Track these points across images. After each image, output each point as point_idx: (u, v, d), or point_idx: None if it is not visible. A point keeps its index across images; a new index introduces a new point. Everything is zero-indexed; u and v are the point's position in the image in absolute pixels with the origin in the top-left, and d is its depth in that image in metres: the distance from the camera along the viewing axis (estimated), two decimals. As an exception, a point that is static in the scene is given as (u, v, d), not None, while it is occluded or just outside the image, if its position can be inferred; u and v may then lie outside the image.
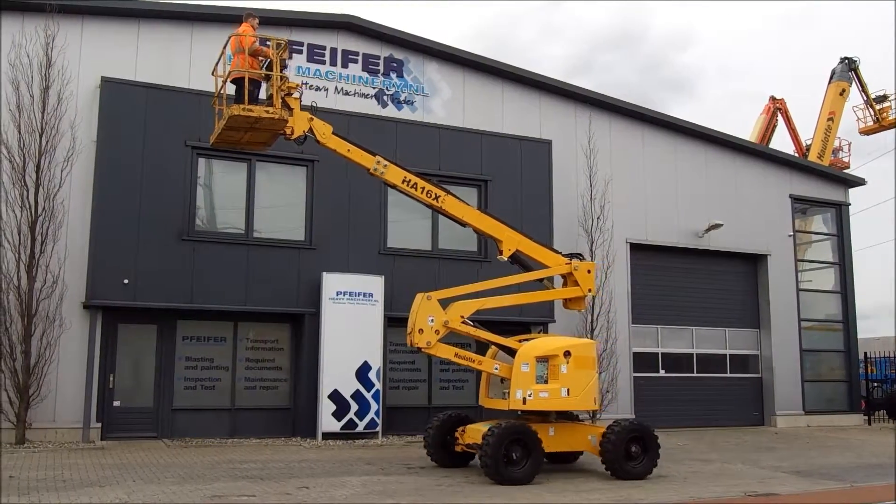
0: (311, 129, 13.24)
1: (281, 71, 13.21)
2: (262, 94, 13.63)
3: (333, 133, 13.46)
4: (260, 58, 13.52)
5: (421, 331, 12.71)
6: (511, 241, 13.99)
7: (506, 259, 14.10)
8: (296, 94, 13.20)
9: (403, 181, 13.62)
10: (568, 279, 14.36)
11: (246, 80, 13.10)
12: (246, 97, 12.99)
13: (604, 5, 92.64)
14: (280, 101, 13.03)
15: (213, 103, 14.37)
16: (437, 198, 13.73)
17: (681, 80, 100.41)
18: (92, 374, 16.14)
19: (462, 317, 13.02)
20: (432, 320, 12.75)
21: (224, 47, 14.06)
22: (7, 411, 15.22)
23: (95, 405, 16.12)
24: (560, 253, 14.65)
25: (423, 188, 13.69)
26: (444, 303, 13.05)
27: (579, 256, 14.55)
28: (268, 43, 13.61)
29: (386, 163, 13.53)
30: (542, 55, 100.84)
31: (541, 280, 14.56)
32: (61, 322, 15.88)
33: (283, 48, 13.42)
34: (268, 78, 13.33)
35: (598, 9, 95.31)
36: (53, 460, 13.38)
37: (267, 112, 12.94)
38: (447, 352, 13.11)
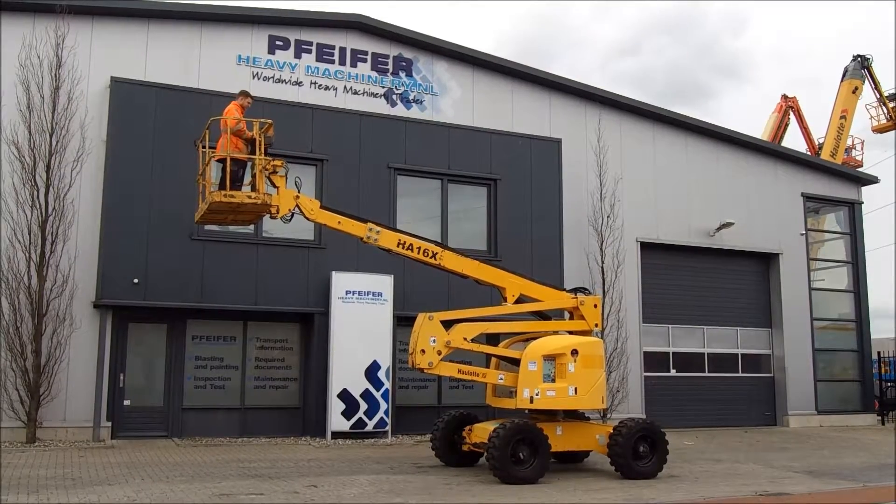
0: (297, 207, 12.90)
1: (266, 151, 12.85)
2: (248, 175, 13.16)
3: (322, 207, 13.14)
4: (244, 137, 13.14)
5: (423, 351, 12.62)
6: (514, 286, 13.75)
7: (511, 305, 13.81)
8: (281, 172, 12.77)
9: (398, 244, 13.24)
10: (574, 313, 14.24)
11: (228, 161, 12.83)
12: (228, 181, 12.68)
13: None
14: (265, 181, 12.72)
15: (198, 181, 14.05)
16: (434, 255, 13.42)
17: (733, 66, 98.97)
18: (102, 373, 16.21)
19: (465, 339, 12.95)
20: (434, 341, 12.67)
21: (207, 126, 13.74)
22: (18, 410, 15.31)
23: (106, 404, 16.19)
24: (564, 289, 14.65)
25: (420, 248, 13.33)
26: (447, 324, 12.94)
27: (585, 291, 14.42)
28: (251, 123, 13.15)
29: (378, 228, 13.16)
30: (591, 34, 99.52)
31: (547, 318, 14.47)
32: (72, 321, 15.97)
33: (267, 128, 13.04)
34: (252, 151, 12.94)
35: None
36: (63, 459, 13.44)
37: (249, 198, 12.65)
38: (450, 370, 13.02)
